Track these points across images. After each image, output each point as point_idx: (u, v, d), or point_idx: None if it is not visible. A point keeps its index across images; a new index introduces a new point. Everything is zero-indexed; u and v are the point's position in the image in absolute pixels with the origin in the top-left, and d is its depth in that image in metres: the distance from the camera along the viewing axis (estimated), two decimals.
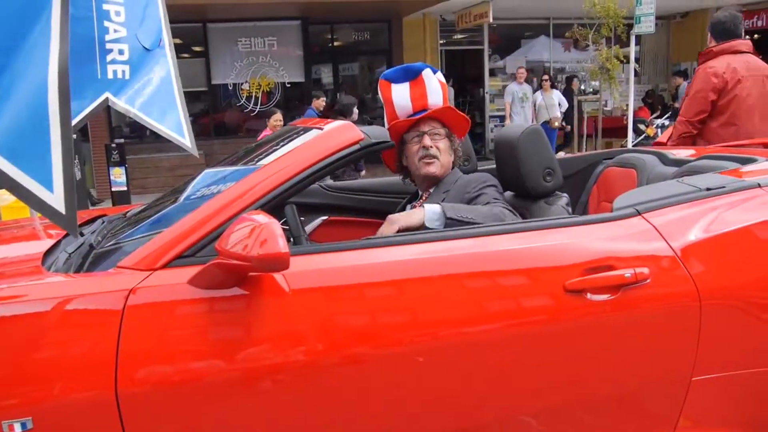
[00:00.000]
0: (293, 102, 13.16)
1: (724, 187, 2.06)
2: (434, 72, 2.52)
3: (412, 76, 2.49)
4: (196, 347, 1.68)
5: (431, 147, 2.41)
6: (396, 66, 2.61)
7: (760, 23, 13.72)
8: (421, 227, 2.11)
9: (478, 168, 2.85)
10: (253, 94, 12.88)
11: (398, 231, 2.09)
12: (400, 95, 2.48)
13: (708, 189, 2.05)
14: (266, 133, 7.85)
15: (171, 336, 1.67)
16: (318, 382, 1.72)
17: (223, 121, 13.17)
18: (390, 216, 2.17)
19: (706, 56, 4.04)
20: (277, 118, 8.11)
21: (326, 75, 14.06)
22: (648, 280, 1.86)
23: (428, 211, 2.13)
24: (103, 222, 2.52)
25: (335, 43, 13.86)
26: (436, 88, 2.49)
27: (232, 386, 1.68)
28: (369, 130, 2.02)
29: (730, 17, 4.08)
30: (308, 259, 1.81)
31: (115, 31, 3.70)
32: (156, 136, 4.40)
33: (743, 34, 4.13)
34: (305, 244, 2.03)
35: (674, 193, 2.06)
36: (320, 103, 9.32)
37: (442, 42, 14.02)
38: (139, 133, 11.93)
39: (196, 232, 1.78)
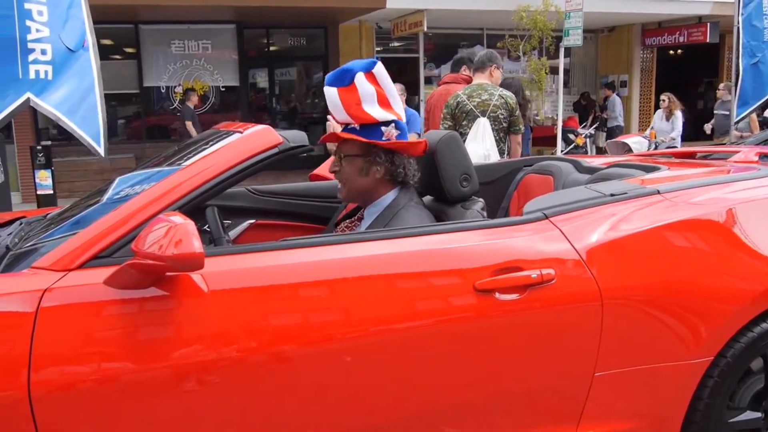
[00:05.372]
0: (229, 106, 13.02)
1: (626, 193, 2.19)
2: (371, 67, 2.17)
3: (346, 81, 2.16)
4: (111, 348, 1.68)
5: (336, 171, 2.27)
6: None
7: (681, 39, 14.35)
8: None
9: None
10: None
11: None
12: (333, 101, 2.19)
13: (612, 195, 2.17)
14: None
15: (86, 337, 1.67)
16: (234, 382, 1.75)
17: (156, 125, 12.90)
18: None
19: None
20: None
21: (262, 80, 13.98)
22: (554, 281, 1.96)
23: None
24: (21, 224, 2.48)
25: (271, 48, 13.78)
26: (368, 93, 2.14)
27: (149, 387, 1.69)
28: (288, 134, 2.06)
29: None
30: (227, 260, 1.84)
31: (38, 30, 3.63)
32: None
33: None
34: (225, 246, 2.06)
35: (580, 198, 2.17)
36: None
37: (378, 49, 14.12)
38: (67, 135, 11.53)
39: (112, 232, 1.79)
